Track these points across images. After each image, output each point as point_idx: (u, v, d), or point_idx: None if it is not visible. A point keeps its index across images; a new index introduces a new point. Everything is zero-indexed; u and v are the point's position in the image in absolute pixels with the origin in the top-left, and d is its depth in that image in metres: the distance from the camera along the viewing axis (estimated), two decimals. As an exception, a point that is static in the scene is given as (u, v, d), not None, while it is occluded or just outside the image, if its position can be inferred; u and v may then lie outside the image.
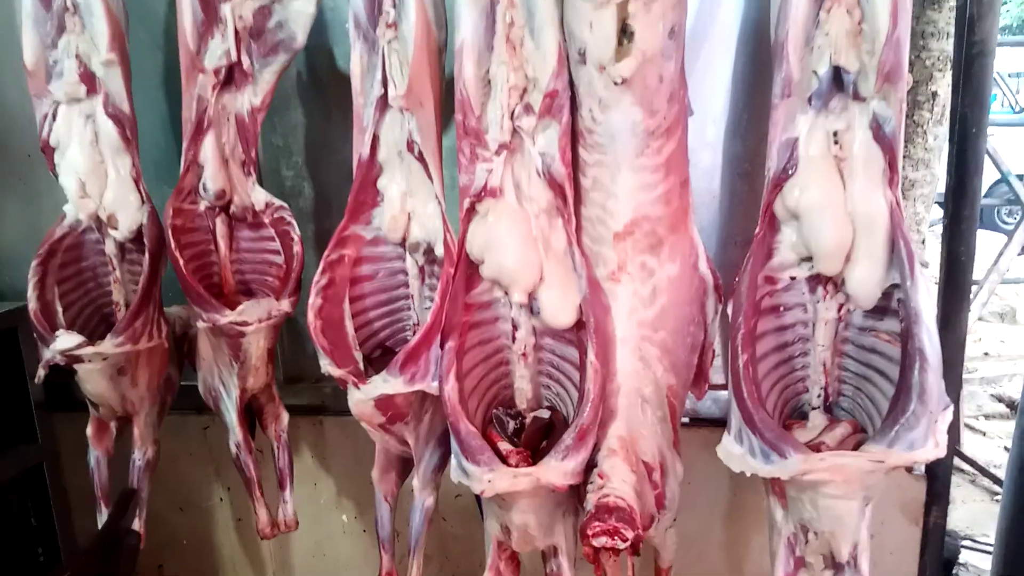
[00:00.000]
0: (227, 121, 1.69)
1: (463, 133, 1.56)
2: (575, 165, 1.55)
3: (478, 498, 1.95)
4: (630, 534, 1.39)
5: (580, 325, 1.56)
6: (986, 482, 3.09)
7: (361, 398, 1.53)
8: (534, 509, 1.54)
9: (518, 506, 1.52)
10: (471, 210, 1.56)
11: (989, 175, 3.65)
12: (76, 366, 1.62)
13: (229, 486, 2.23)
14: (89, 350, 1.59)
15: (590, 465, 1.52)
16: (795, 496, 1.49)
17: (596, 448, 1.53)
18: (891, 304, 1.49)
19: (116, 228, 1.70)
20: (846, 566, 1.54)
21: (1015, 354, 3.83)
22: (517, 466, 1.49)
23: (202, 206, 1.70)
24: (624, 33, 1.46)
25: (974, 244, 2.00)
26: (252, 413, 1.87)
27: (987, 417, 3.56)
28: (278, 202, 1.76)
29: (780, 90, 1.50)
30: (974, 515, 2.82)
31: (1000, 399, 3.63)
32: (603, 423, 1.53)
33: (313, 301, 1.59)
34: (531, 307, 1.58)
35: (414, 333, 1.70)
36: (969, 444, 3.34)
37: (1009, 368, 3.73)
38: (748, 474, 1.46)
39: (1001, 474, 3.02)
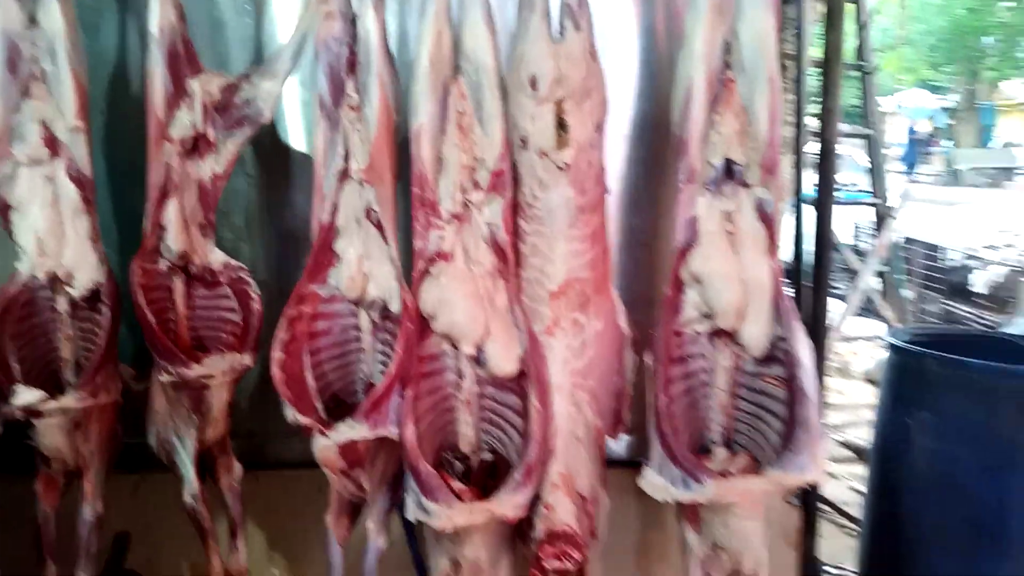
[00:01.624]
0: (190, 186, 1.80)
1: (419, 204, 1.76)
2: (516, 234, 1.79)
3: (412, 545, 2.09)
4: (578, 555, 1.59)
5: (521, 374, 1.77)
6: (839, 519, 3.52)
7: (327, 444, 1.66)
8: (485, 543, 1.71)
9: (472, 540, 1.69)
10: (425, 272, 1.76)
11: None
12: (36, 421, 1.64)
13: (159, 543, 2.22)
14: (52, 405, 1.62)
15: (535, 502, 1.72)
16: (708, 519, 1.75)
17: (539, 484, 1.73)
18: (776, 353, 1.80)
19: (72, 286, 1.75)
20: (747, 580, 1.81)
21: (854, 404, 4.39)
22: (471, 503, 1.65)
23: (163, 266, 1.79)
24: (560, 126, 1.74)
25: (825, 311, 2.40)
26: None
27: (836, 461, 4.05)
28: (236, 263, 1.88)
29: (684, 177, 1.82)
30: (831, 547, 3.19)
31: (845, 445, 4.15)
32: (545, 460, 1.73)
33: (277, 355, 1.72)
34: (478, 359, 1.77)
35: (366, 384, 1.84)
36: (825, 487, 3.78)
37: (850, 416, 4.29)
38: (671, 501, 1.70)
39: (852, 511, 3.44)
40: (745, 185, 1.80)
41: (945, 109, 22.13)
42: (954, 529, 1.99)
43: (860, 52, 4.19)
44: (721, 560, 1.79)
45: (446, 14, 1.73)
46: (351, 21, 1.77)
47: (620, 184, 2.21)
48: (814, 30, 3.91)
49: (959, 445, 1.99)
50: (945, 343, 2.27)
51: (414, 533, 2.05)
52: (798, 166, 3.75)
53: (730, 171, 1.80)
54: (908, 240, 6.64)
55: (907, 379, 2.14)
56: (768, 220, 1.80)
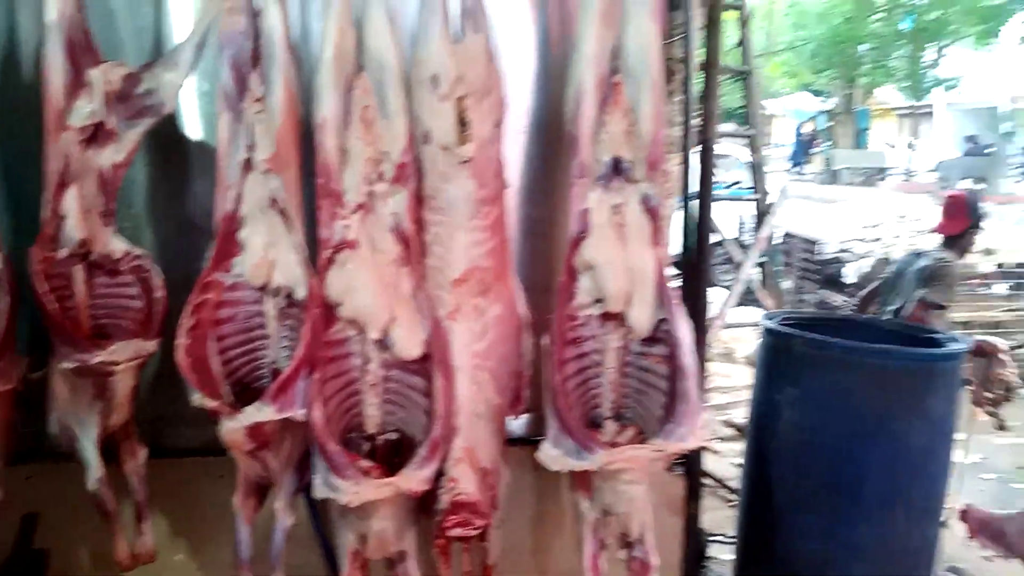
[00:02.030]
0: (90, 175, 1.80)
1: (324, 194, 1.83)
2: (420, 224, 1.88)
3: (316, 524, 2.15)
4: (480, 522, 1.70)
5: (425, 357, 1.86)
6: (723, 492, 3.78)
7: (234, 426, 1.70)
8: (392, 516, 1.79)
9: (379, 514, 1.77)
10: (330, 259, 1.83)
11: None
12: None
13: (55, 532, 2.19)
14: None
15: (439, 474, 1.82)
16: (599, 486, 1.89)
17: (444, 460, 1.83)
18: (659, 334, 1.96)
19: (-34, 275, 1.72)
20: (636, 543, 1.97)
21: (737, 386, 4.70)
22: (378, 479, 1.74)
23: (63, 254, 1.79)
24: (461, 123, 1.84)
25: (706, 296, 2.59)
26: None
27: (721, 440, 4.34)
28: (137, 251, 1.88)
29: (576, 172, 1.95)
30: (715, 519, 3.43)
31: (729, 424, 4.45)
32: (449, 438, 1.83)
33: (182, 341, 1.75)
34: (383, 343, 1.85)
35: (272, 370, 1.89)
36: (708, 462, 4.04)
37: (734, 398, 4.60)
38: (566, 471, 1.84)
39: (734, 485, 3.70)
40: (632, 181, 1.95)
41: (825, 112, 23.48)
42: (817, 493, 2.21)
43: (743, 57, 4.47)
44: (610, 525, 1.94)
45: (348, 13, 1.80)
46: (254, 16, 1.81)
47: (520, 178, 2.31)
48: (700, 36, 4.15)
49: (821, 416, 2.21)
50: (812, 326, 2.51)
51: (318, 512, 2.11)
52: (685, 164, 3.98)
53: (618, 167, 1.94)
54: (788, 234, 7.11)
55: (777, 358, 2.36)
56: (653, 213, 1.96)
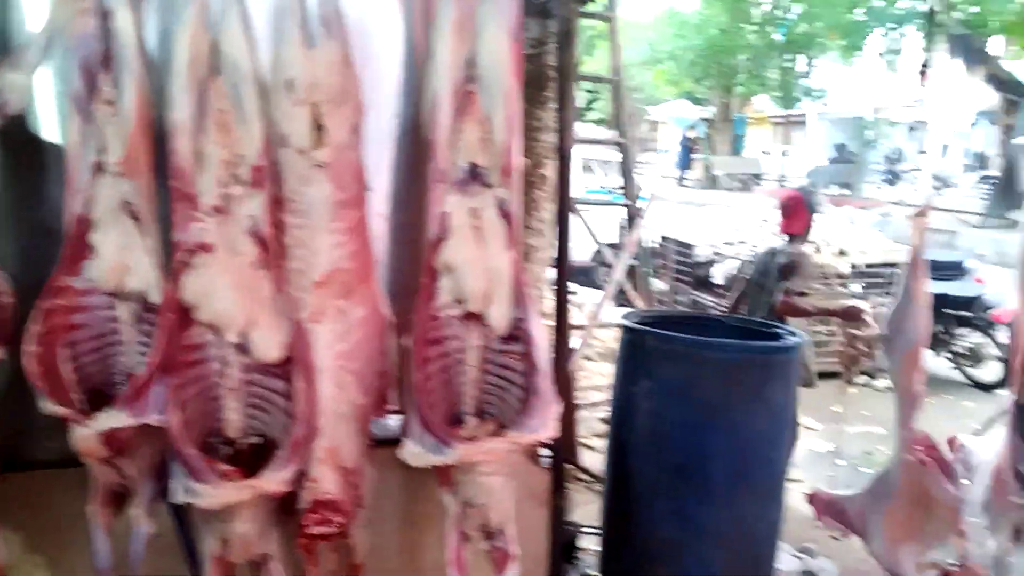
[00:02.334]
0: (-75, 179, 1.73)
1: (178, 197, 1.82)
2: (280, 227, 1.90)
3: (182, 532, 2.13)
4: (341, 520, 1.74)
5: (287, 359, 1.88)
6: (596, 486, 3.93)
7: (87, 433, 1.68)
8: (253, 518, 1.81)
9: (240, 517, 1.78)
10: (185, 263, 1.82)
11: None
12: None
13: None
14: None
15: (300, 477, 1.85)
16: (460, 479, 1.97)
17: (306, 461, 1.85)
18: (516, 332, 2.06)
19: None
20: (497, 533, 2.05)
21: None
22: (237, 481, 1.75)
23: None
24: (317, 127, 1.87)
25: (567, 294, 2.72)
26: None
27: (597, 436, 4.50)
28: (-19, 257, 1.82)
29: (434, 177, 2.02)
30: (592, 513, 3.57)
31: (605, 421, 4.62)
32: (311, 439, 1.86)
33: (32, 348, 1.70)
34: (242, 346, 1.86)
35: (127, 376, 1.87)
36: (586, 457, 4.19)
37: (609, 395, 4.77)
38: (428, 466, 1.90)
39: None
40: (488, 186, 2.04)
41: (704, 120, 24.55)
42: (668, 478, 2.36)
43: (612, 66, 4.67)
44: (472, 517, 2.02)
45: (203, 17, 1.80)
46: (104, 17, 1.79)
47: (387, 183, 2.36)
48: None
49: (671, 407, 2.37)
50: (667, 323, 2.68)
51: (183, 520, 2.09)
52: (563, 171, 4.12)
53: (475, 173, 2.03)
54: (664, 238, 7.43)
55: (633, 353, 2.50)
56: (507, 216, 2.05)
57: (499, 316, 2.03)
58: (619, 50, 4.63)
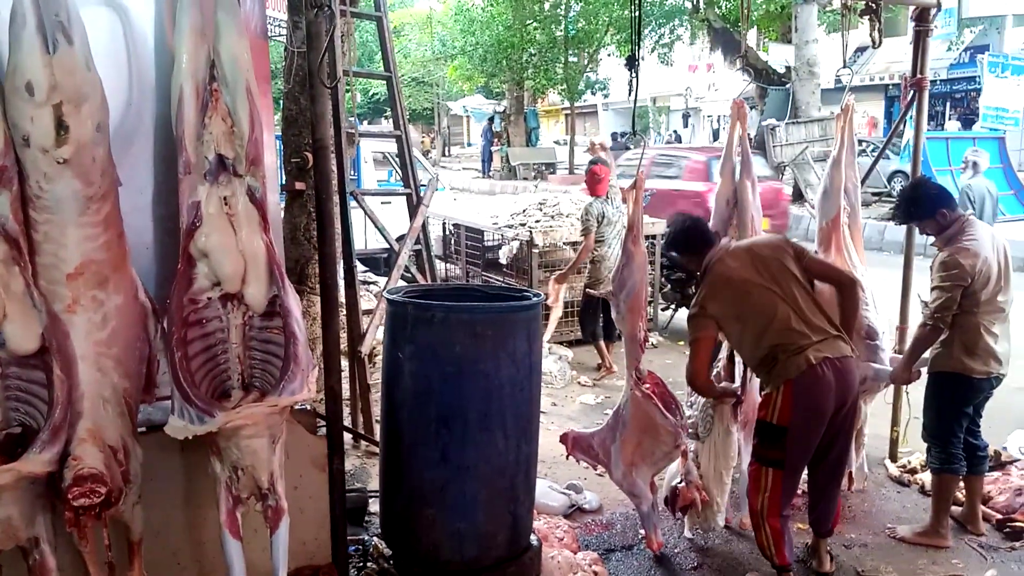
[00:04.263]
0: None
1: (-86, 200, 1.85)
2: (28, 223, 1.97)
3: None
4: (103, 490, 1.87)
5: (43, 350, 1.97)
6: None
7: None
8: (16, 501, 1.89)
9: (2, 500, 1.85)
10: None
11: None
12: None
13: None
14: None
15: (64, 458, 1.94)
16: (225, 445, 2.14)
17: (68, 442, 1.95)
18: (275, 308, 2.26)
19: None
20: (268, 492, 2.25)
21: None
22: (-3, 467, 1.83)
23: None
24: (60, 126, 1.96)
25: (334, 273, 2.94)
26: None
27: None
28: None
29: (183, 169, 2.17)
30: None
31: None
32: (72, 422, 1.96)
33: None
34: (-7, 341, 1.93)
35: None
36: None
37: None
38: (191, 438, 2.06)
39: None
40: (237, 175, 2.22)
41: (499, 113, 25.41)
42: (431, 427, 2.65)
43: (384, 63, 4.89)
44: (242, 480, 2.20)
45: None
46: None
47: (147, 177, 2.44)
48: (351, 43, 4.48)
49: (430, 365, 2.66)
50: (430, 295, 2.98)
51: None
52: (340, 164, 4.31)
53: (223, 163, 2.20)
54: (456, 225, 7.82)
55: (398, 323, 2.77)
56: (258, 203, 2.25)
57: (256, 295, 2.23)
58: (390, 47, 4.87)
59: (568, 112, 24.77)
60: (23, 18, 1.93)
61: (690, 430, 3.24)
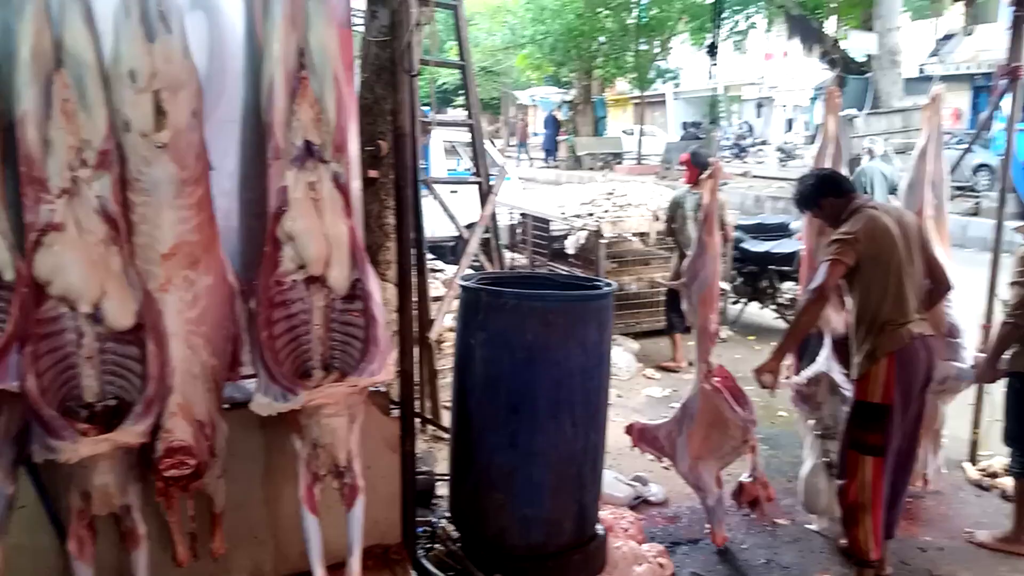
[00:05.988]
0: None
1: (27, 182, 1.96)
2: (126, 205, 2.07)
3: (45, 501, 2.26)
4: (192, 462, 1.96)
5: (138, 327, 2.06)
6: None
7: (-56, 401, 1.81)
8: (112, 470, 1.99)
9: (99, 470, 1.96)
10: (37, 242, 1.97)
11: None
12: None
13: None
14: None
15: (156, 430, 2.04)
16: (306, 423, 2.22)
17: (160, 415, 2.05)
18: (356, 291, 2.32)
19: None
20: (345, 471, 2.32)
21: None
22: (95, 436, 1.93)
23: None
24: (159, 112, 2.05)
25: (408, 258, 2.99)
26: None
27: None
28: None
29: (271, 155, 2.24)
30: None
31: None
32: (164, 396, 2.05)
33: None
34: (95, 316, 2.03)
35: (-16, 350, 1.99)
36: (446, 418, 4.51)
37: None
38: (274, 414, 2.14)
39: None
40: (323, 161, 2.28)
41: (567, 102, 25.30)
42: (501, 413, 2.69)
43: (460, 52, 4.93)
44: (320, 457, 2.27)
45: (44, 14, 1.94)
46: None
47: (235, 162, 2.52)
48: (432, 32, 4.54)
49: (501, 352, 2.69)
50: (501, 283, 3.01)
51: (45, 491, 2.22)
52: (414, 153, 4.36)
53: (310, 149, 2.26)
54: (523, 215, 7.84)
55: (470, 309, 2.81)
56: (343, 188, 2.30)
57: (339, 278, 2.29)
58: (465, 36, 4.90)
59: (637, 101, 24.48)
60: (127, 9, 2.02)
61: (822, 430, 3.27)
